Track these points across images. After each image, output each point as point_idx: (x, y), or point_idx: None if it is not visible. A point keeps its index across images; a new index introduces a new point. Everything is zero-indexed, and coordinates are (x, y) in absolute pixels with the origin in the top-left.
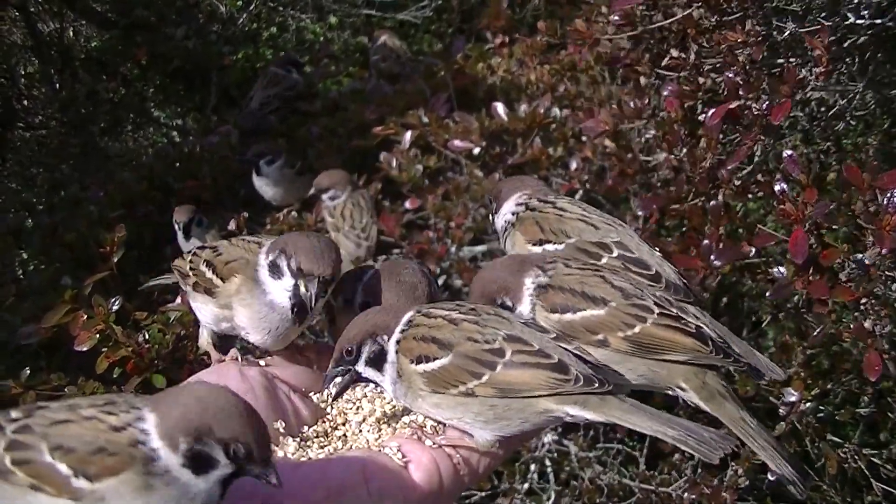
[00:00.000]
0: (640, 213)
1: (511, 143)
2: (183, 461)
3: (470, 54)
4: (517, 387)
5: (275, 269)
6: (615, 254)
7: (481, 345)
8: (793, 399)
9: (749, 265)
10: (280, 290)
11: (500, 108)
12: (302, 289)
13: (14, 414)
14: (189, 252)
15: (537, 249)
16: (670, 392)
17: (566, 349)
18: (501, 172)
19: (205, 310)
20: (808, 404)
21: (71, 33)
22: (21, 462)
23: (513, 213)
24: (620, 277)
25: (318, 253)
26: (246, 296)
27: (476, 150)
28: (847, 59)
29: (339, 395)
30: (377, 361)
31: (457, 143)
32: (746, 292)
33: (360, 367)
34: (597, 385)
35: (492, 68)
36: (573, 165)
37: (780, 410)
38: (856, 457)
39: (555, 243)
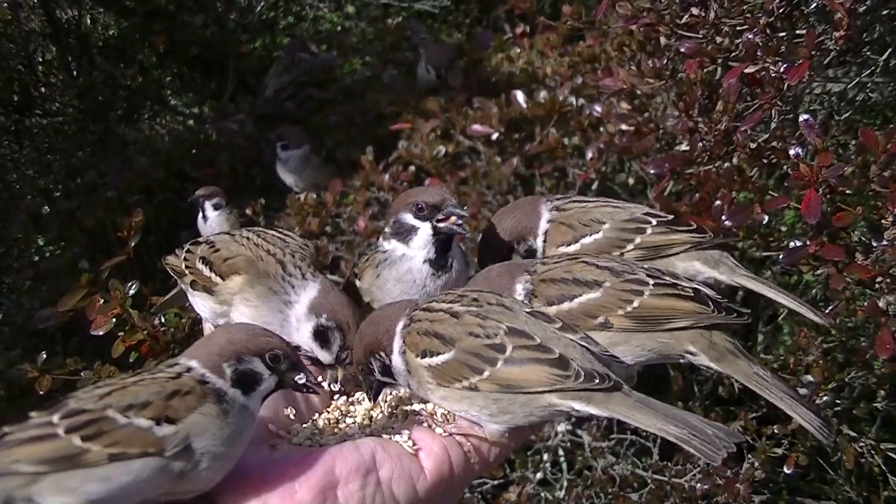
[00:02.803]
0: (652, 171)
1: (529, 130)
2: (232, 383)
3: (489, 43)
4: (518, 383)
5: (321, 338)
6: (654, 222)
7: (482, 339)
8: (811, 379)
9: (763, 234)
10: (309, 344)
11: (519, 95)
12: (338, 378)
13: (35, 413)
14: (182, 248)
15: (577, 248)
16: (681, 360)
17: (573, 340)
18: (519, 160)
19: (203, 305)
20: (824, 398)
21: (88, 21)
22: (94, 436)
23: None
24: (603, 259)
25: None
26: (253, 298)
27: (494, 136)
28: (866, 50)
29: (377, 396)
30: (386, 371)
31: (476, 127)
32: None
33: (378, 377)
34: (597, 381)
35: (511, 59)
36: (589, 155)
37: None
38: (872, 451)
39: (591, 234)
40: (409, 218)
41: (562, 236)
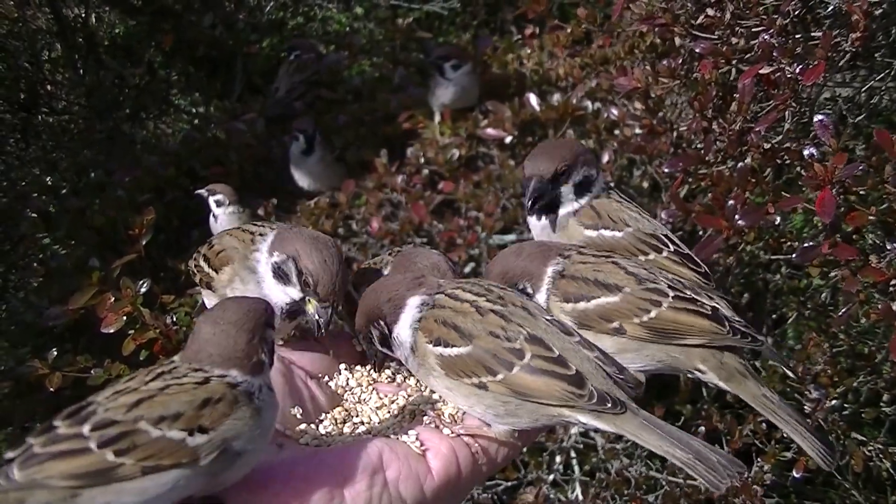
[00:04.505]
0: (666, 170)
1: (543, 133)
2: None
3: (498, 45)
4: (530, 392)
5: (281, 275)
6: (672, 248)
7: (502, 342)
8: (816, 395)
9: (775, 235)
10: (279, 292)
11: (532, 98)
12: (312, 312)
13: (59, 422)
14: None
15: (593, 234)
16: (689, 375)
17: (588, 356)
18: None
19: (210, 304)
20: (833, 402)
21: (94, 19)
22: (127, 450)
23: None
24: (634, 264)
25: (331, 274)
26: (238, 285)
27: (508, 139)
28: (877, 55)
29: (380, 366)
30: (385, 342)
31: (489, 131)
32: (771, 289)
33: (378, 347)
34: (609, 406)
35: (521, 60)
36: (605, 158)
37: (806, 407)
38: (880, 456)
39: (613, 230)
40: None
41: (587, 219)
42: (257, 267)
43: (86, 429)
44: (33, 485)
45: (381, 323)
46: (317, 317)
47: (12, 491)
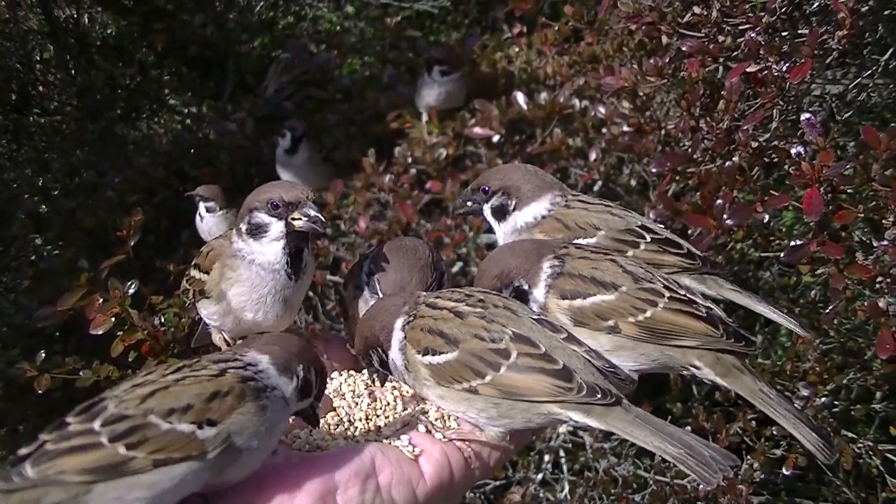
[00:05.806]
0: (654, 170)
1: (530, 132)
2: (295, 388)
3: (488, 44)
4: (519, 391)
5: (257, 228)
6: (648, 238)
7: (487, 343)
8: (806, 393)
9: (764, 233)
10: (268, 246)
11: (519, 96)
12: (301, 219)
13: (71, 418)
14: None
15: None
16: (685, 372)
17: (577, 351)
18: (520, 162)
19: (208, 313)
20: (822, 399)
21: (86, 20)
22: (138, 443)
23: (544, 215)
24: (632, 262)
25: (289, 183)
26: (230, 273)
27: (495, 138)
28: (866, 52)
29: (382, 383)
30: (384, 364)
31: (476, 130)
32: (761, 286)
33: (378, 368)
34: (599, 396)
35: (510, 58)
36: (592, 156)
37: (796, 405)
38: (870, 453)
39: (585, 237)
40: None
41: (554, 232)
42: (237, 245)
43: (97, 424)
44: (47, 481)
45: (379, 350)
46: (311, 222)
47: (28, 488)
